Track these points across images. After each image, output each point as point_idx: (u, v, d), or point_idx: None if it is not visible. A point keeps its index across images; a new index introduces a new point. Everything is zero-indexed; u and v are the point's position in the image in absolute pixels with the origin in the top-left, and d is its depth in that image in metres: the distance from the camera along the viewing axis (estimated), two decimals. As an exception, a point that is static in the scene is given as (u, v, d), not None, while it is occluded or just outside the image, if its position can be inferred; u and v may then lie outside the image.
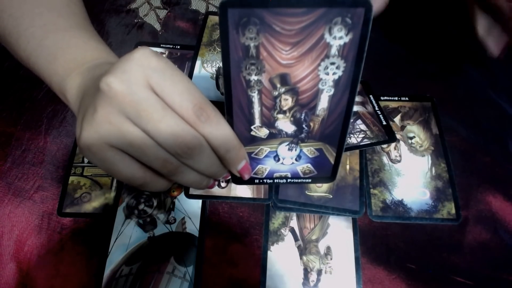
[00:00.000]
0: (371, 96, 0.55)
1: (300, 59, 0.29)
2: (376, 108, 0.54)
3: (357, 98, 0.55)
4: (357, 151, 0.52)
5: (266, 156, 0.37)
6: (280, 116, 0.34)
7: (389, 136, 0.51)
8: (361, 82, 0.57)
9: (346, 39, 0.28)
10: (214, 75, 0.58)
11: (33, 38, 0.40)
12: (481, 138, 0.54)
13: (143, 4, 0.68)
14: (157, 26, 0.66)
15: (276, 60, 0.29)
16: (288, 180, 0.40)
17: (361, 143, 0.51)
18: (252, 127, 0.35)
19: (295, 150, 0.37)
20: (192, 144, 0.30)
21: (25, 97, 0.57)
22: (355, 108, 0.54)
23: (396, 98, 0.57)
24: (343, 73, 0.30)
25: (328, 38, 0.28)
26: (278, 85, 0.31)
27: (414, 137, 0.53)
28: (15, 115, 0.55)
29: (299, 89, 0.32)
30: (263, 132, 0.35)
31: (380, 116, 0.53)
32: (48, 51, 0.39)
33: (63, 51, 0.39)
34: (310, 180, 0.40)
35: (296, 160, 0.38)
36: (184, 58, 0.60)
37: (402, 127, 0.54)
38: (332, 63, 0.30)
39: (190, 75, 0.58)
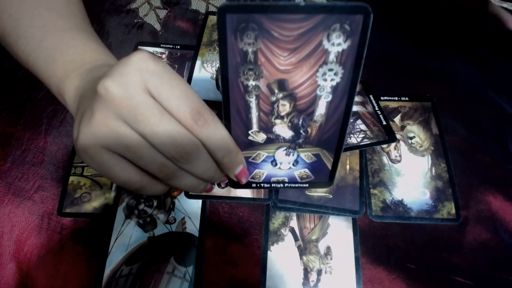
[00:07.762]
0: (371, 96, 0.55)
1: (298, 65, 0.29)
2: (376, 108, 0.54)
3: (357, 98, 0.55)
4: (357, 151, 0.51)
5: (264, 160, 0.37)
6: (278, 121, 0.34)
7: (389, 136, 0.51)
8: (361, 82, 0.57)
9: (345, 45, 0.28)
10: (214, 75, 0.57)
11: (32, 39, 0.39)
12: (481, 138, 0.54)
13: (143, 4, 0.68)
14: (157, 26, 0.65)
15: (274, 66, 0.29)
16: (286, 185, 0.40)
17: (361, 143, 0.51)
18: (249, 132, 0.35)
19: (293, 155, 0.37)
20: (189, 148, 0.30)
21: (25, 97, 0.57)
22: (355, 108, 0.54)
23: (396, 98, 0.56)
24: (341, 79, 0.30)
25: (326, 44, 0.28)
26: (276, 91, 0.31)
27: (414, 137, 0.53)
28: (15, 115, 0.55)
29: (297, 94, 0.31)
30: (261, 137, 0.35)
31: (380, 116, 0.53)
32: (47, 52, 0.39)
33: (62, 52, 0.39)
34: (307, 185, 0.40)
35: (293, 165, 0.38)
36: (184, 58, 0.60)
37: (402, 127, 0.54)
38: (330, 70, 0.29)
39: (190, 75, 0.58)
